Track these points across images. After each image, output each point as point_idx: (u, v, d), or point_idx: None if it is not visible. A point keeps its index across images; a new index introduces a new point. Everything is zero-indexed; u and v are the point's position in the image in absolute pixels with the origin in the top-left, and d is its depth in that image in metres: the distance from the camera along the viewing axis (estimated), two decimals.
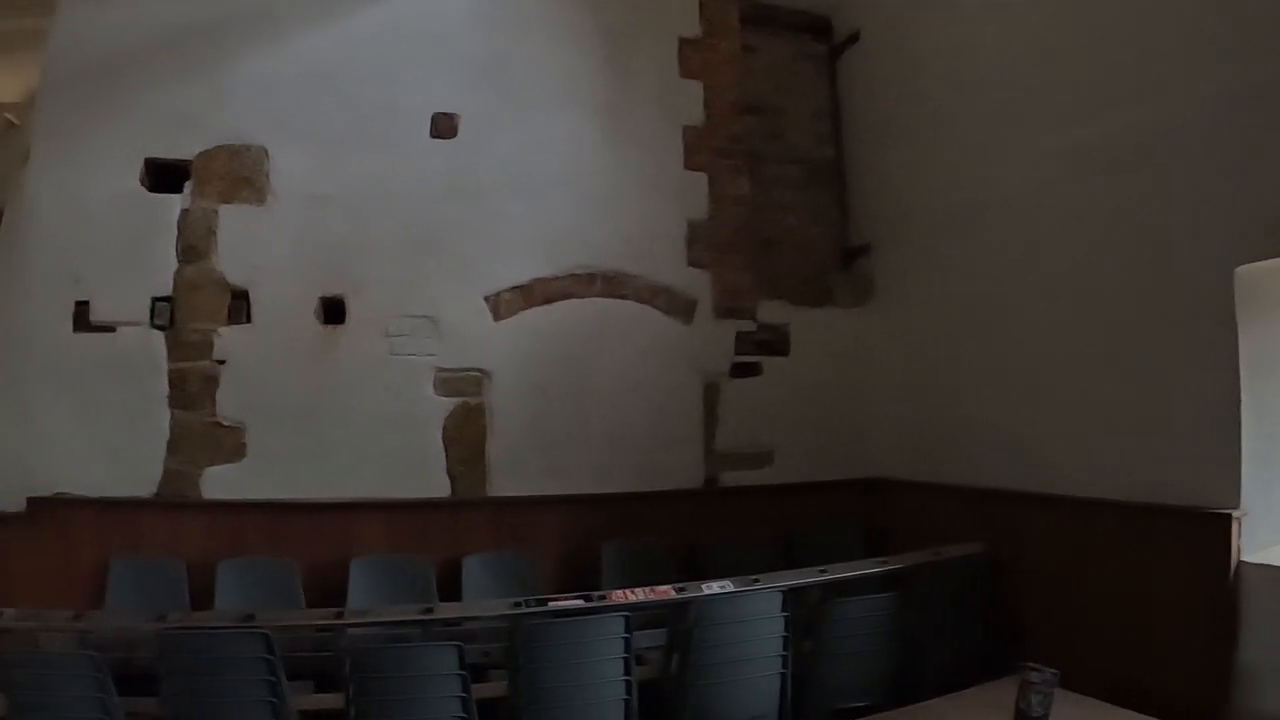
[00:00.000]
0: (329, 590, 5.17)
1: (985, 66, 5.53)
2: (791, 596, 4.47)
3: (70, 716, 3.77)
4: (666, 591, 4.50)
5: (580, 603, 4.37)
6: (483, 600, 5.09)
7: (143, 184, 5.56)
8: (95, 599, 4.98)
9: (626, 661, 4.06)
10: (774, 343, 6.45)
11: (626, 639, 4.05)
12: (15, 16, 10.31)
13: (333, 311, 5.65)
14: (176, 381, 5.42)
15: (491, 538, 5.64)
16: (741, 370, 6.35)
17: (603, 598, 4.41)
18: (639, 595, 4.43)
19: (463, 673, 3.86)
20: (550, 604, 4.37)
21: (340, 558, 5.31)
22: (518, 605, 4.34)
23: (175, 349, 5.43)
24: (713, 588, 4.51)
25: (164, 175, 5.60)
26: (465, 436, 5.73)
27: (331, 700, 4.03)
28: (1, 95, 13.31)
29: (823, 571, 4.82)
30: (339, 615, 4.34)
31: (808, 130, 6.83)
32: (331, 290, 5.64)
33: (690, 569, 5.54)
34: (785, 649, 4.41)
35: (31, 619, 4.27)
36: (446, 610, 4.52)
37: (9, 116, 13.69)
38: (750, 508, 6.19)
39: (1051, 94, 5.01)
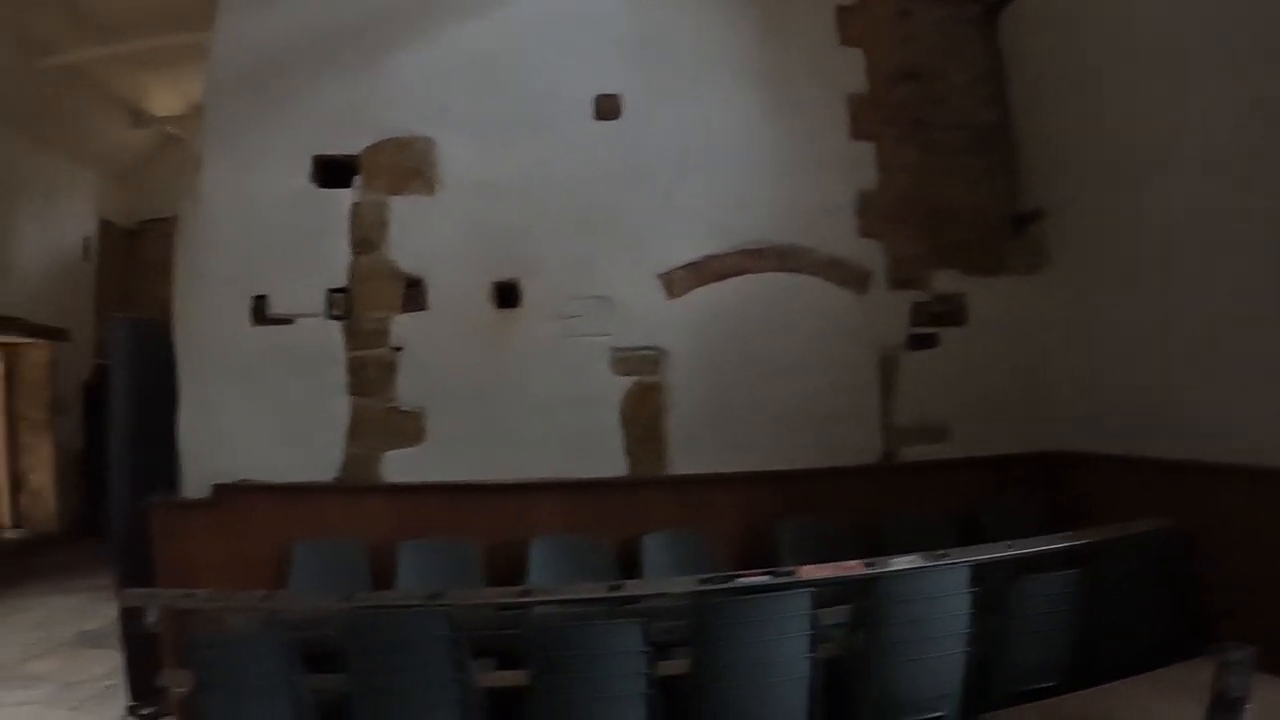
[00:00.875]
0: (507, 571, 5.19)
1: (1154, 16, 5.18)
2: (976, 573, 4.28)
3: (257, 694, 3.82)
4: (854, 566, 4.34)
5: (767, 579, 4.22)
6: (668, 578, 4.96)
7: (312, 181, 5.72)
8: (277, 581, 5.12)
9: (812, 638, 3.94)
10: (949, 313, 6.21)
11: (812, 615, 3.92)
12: (171, 33, 10.77)
13: (506, 295, 5.69)
14: (355, 369, 5.53)
15: (669, 517, 5.55)
16: (917, 342, 6.14)
17: (790, 573, 4.26)
18: (826, 571, 4.28)
19: (647, 649, 3.81)
20: (736, 580, 4.23)
21: (518, 538, 5.30)
22: (705, 581, 4.26)
23: (352, 338, 5.53)
24: (901, 563, 4.33)
25: (333, 171, 5.73)
26: (642, 415, 5.67)
27: (514, 677, 3.97)
28: (162, 109, 13.95)
29: (1010, 546, 4.59)
30: (525, 593, 4.28)
31: (969, 94, 6.57)
32: (504, 275, 5.68)
33: (867, 546, 5.32)
34: (971, 627, 4.23)
35: (224, 600, 4.31)
36: (634, 588, 4.46)
37: (170, 129, 14.33)
38: (927, 483, 5.98)
39: (1231, 41, 4.65)
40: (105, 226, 14.21)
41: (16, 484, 13.05)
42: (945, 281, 6.25)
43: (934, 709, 4.21)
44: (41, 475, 13.06)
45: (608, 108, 5.87)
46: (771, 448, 5.77)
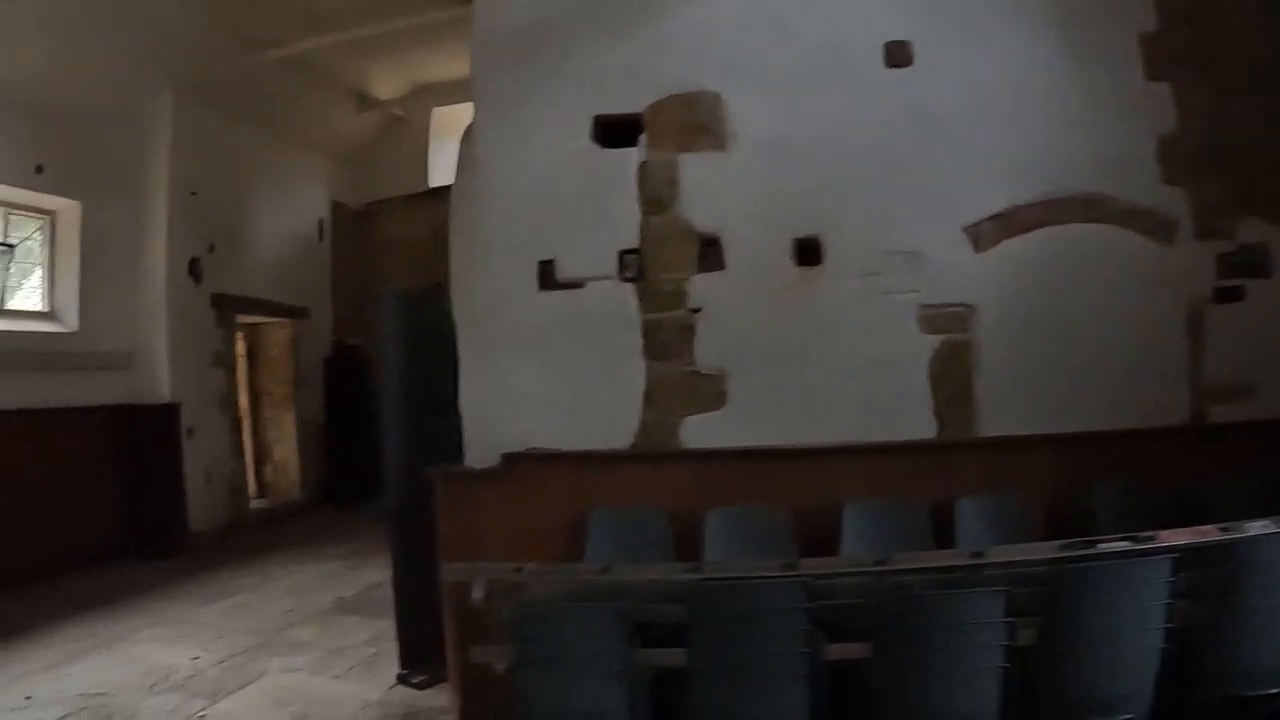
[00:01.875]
0: (816, 538, 4.87)
1: None
2: None
3: (586, 671, 3.67)
4: (1209, 532, 3.92)
5: (1126, 545, 3.83)
6: (1028, 544, 4.53)
7: (595, 141, 5.52)
8: (571, 552, 4.99)
9: (1168, 608, 3.62)
10: (1254, 264, 5.61)
11: (1171, 583, 3.61)
12: (389, 19, 10.92)
13: (807, 252, 5.34)
14: (650, 332, 5.32)
15: (979, 479, 5.13)
16: (1224, 295, 5.56)
17: (1150, 538, 3.85)
18: (1185, 536, 3.87)
19: (1010, 620, 3.52)
20: (1098, 546, 3.85)
21: (824, 504, 4.96)
22: (1065, 548, 3.88)
23: (647, 300, 5.33)
24: (1255, 528, 3.88)
25: (616, 130, 5.51)
26: (951, 375, 5.27)
27: (856, 650, 3.70)
28: (385, 93, 14.20)
29: None
30: (880, 563, 3.97)
31: (1259, 29, 5.92)
32: (804, 231, 5.33)
33: (1184, 512, 4.80)
34: None
35: (556, 573, 4.18)
36: (998, 554, 4.05)
37: (394, 111, 14.58)
38: (1234, 445, 5.35)
39: None
40: (337, 208, 14.63)
41: (260, 457, 13.54)
42: (1250, 230, 5.64)
43: None
44: (285, 448, 13.52)
45: (899, 55, 5.50)
46: (1077, 408, 5.27)
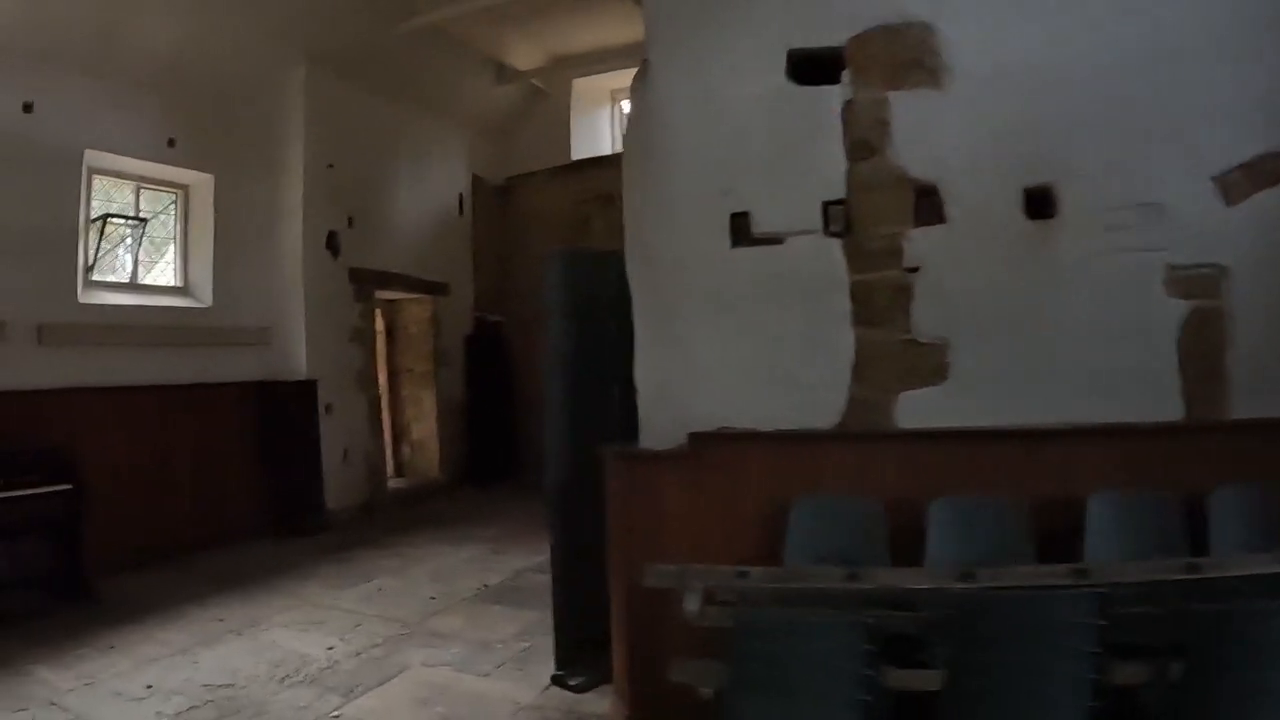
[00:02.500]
0: (1053, 535, 4.11)
1: None
2: None
3: (818, 693, 3.01)
4: None
5: None
6: None
7: (789, 78, 4.79)
8: (768, 547, 4.32)
9: None
10: None
11: None
12: None
13: (1038, 204, 4.50)
14: (860, 296, 4.59)
15: (1232, 469, 4.23)
16: None
17: None
18: None
19: None
20: None
21: (1061, 495, 4.20)
22: None
23: (855, 258, 4.60)
24: None
25: (814, 66, 4.78)
26: (1201, 347, 4.40)
27: (1138, 673, 2.99)
28: (524, 63, 13.68)
29: None
30: (1194, 568, 3.21)
31: None
32: (1034, 179, 4.50)
33: None
34: None
35: (786, 577, 3.54)
36: None
37: (534, 82, 14.11)
38: None
39: None
40: (477, 183, 14.27)
41: (398, 435, 13.20)
42: None
43: None
44: (424, 426, 13.19)
45: None
46: None
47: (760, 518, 4.44)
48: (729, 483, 4.57)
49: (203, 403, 9.50)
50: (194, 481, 9.32)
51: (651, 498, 4.62)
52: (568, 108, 14.34)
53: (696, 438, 4.62)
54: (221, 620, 6.96)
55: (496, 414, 13.41)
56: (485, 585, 7.90)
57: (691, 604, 3.36)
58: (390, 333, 13.18)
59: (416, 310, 13.14)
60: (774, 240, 4.71)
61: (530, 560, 8.43)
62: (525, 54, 13.65)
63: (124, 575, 7.92)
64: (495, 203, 14.52)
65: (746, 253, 4.74)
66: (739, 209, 4.76)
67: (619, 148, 14.70)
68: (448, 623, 6.88)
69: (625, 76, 13.89)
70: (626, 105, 15.05)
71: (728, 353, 4.73)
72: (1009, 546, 4.03)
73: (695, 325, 4.78)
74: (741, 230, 4.75)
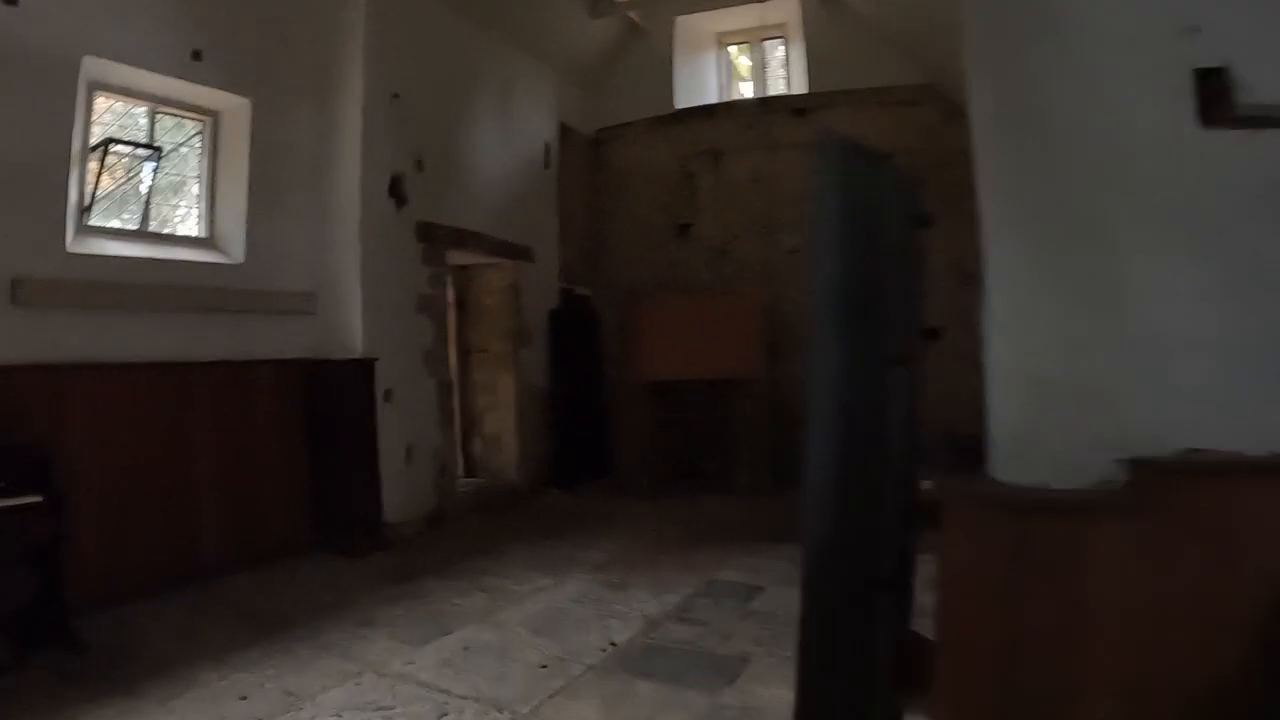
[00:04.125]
0: None
1: None
2: None
3: None
4: None
5: None
6: None
7: None
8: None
9: None
10: None
11: None
12: None
13: None
14: None
15: None
16: None
17: None
18: None
19: None
20: None
21: None
22: None
23: None
24: None
25: None
26: None
27: None
28: None
29: None
30: None
31: None
32: None
33: None
34: None
35: None
36: None
37: (632, 16, 12.09)
38: None
39: None
40: (565, 133, 12.24)
41: (468, 428, 11.03)
42: None
43: None
44: (500, 418, 11.02)
45: None
46: None
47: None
48: (1210, 555, 2.33)
49: (230, 386, 7.57)
50: (218, 487, 7.46)
51: (1057, 581, 2.44)
52: (670, 50, 12.70)
53: (1144, 469, 2.38)
54: (244, 699, 4.86)
55: (585, 403, 11.63)
56: (612, 643, 5.71)
57: None
58: (461, 305, 10.99)
59: (494, 278, 10.96)
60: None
61: (664, 602, 6.36)
62: None
63: (124, 609, 6.20)
64: (587, 157, 12.74)
65: (1227, 140, 2.43)
66: (1211, 61, 2.45)
67: (728, 96, 12.66)
68: (576, 712, 4.70)
69: (733, 17, 11.95)
70: (734, 51, 12.94)
71: (1196, 316, 2.43)
72: None
73: (1129, 264, 2.52)
74: (1217, 98, 2.44)
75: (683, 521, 9.30)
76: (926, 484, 3.42)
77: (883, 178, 3.31)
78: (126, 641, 5.69)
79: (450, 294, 10.61)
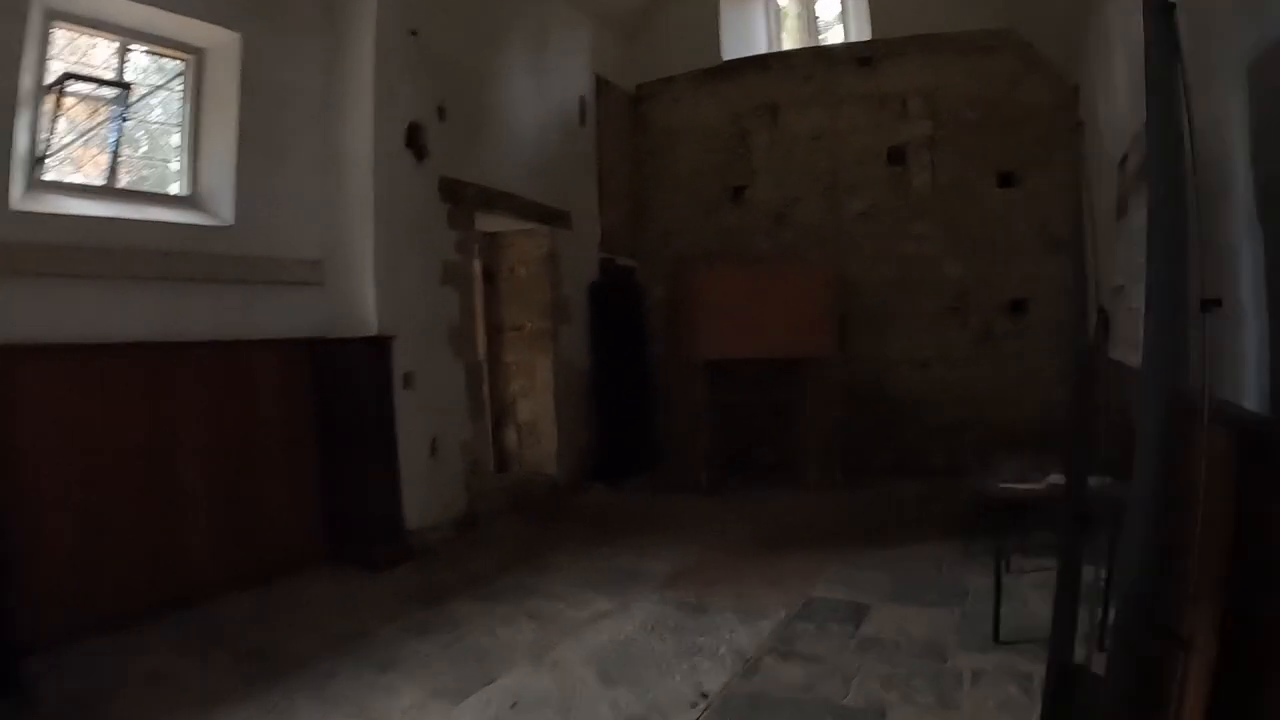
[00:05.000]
0: None
1: None
2: None
3: None
4: None
5: None
6: None
7: None
8: None
9: None
10: None
11: None
12: None
13: None
14: None
15: None
16: None
17: None
18: None
19: None
20: None
21: None
22: None
23: None
24: None
25: None
26: None
27: None
28: None
29: None
30: None
31: None
32: None
33: None
34: None
35: None
36: None
37: None
38: None
39: None
40: (603, 88, 10.96)
41: (500, 416, 9.74)
42: None
43: None
44: (536, 404, 9.74)
45: None
46: None
47: None
48: None
49: (221, 370, 6.40)
50: (208, 491, 6.23)
51: None
52: None
53: None
54: None
55: (630, 386, 10.50)
56: (704, 694, 4.39)
57: None
58: (489, 277, 9.68)
59: (528, 246, 9.65)
60: None
61: (756, 629, 5.15)
62: None
63: (92, 644, 5.06)
64: (627, 115, 11.47)
65: None
66: None
67: (778, 46, 11.39)
68: None
69: None
70: None
71: None
72: None
73: None
74: None
75: (751, 521, 7.98)
76: None
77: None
78: (91, 689, 4.51)
79: (478, 265, 9.31)
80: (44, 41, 5.55)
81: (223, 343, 6.40)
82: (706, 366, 9.64)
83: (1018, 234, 9.45)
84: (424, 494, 7.46)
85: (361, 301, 7.15)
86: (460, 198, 8.01)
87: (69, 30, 5.80)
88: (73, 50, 5.85)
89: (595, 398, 10.15)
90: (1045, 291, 9.33)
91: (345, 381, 7.02)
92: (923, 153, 10.02)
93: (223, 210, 6.60)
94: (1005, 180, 9.60)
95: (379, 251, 7.15)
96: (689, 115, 11.18)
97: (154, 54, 6.43)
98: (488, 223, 8.90)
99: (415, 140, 7.57)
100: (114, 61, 6.10)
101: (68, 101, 5.71)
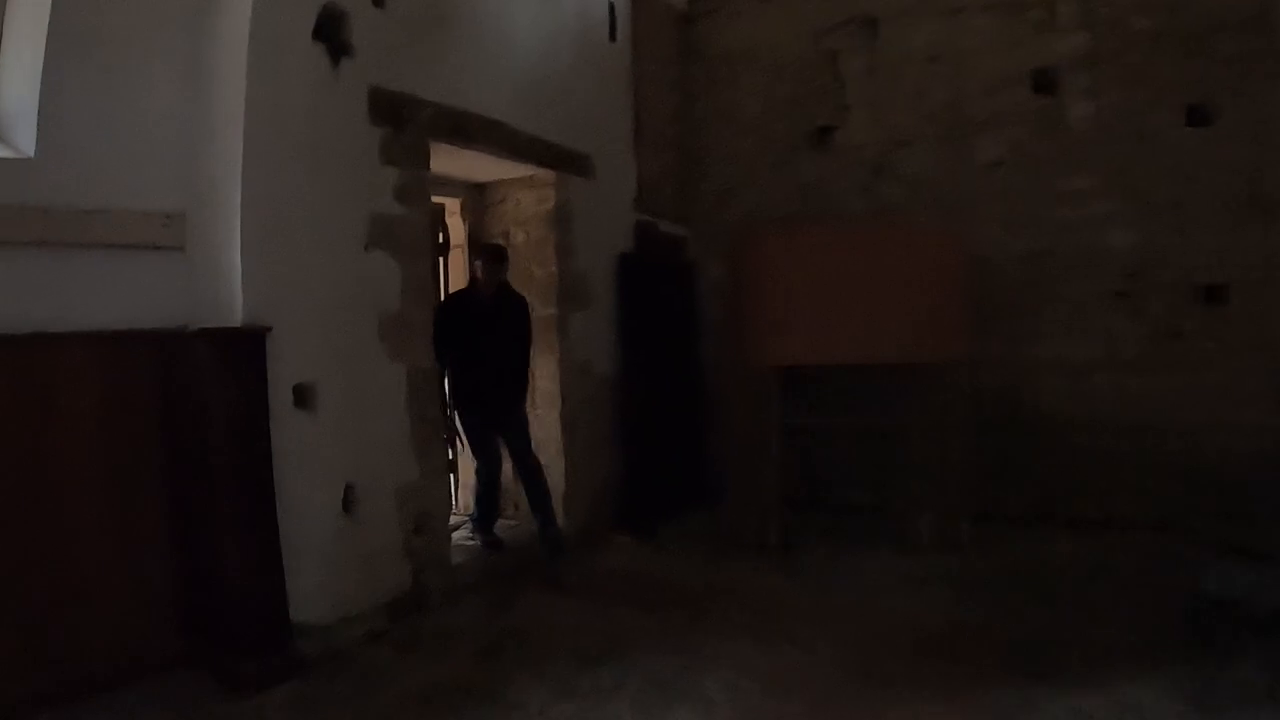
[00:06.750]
0: None
1: None
2: None
3: None
4: None
5: None
6: None
7: None
8: None
9: None
10: None
11: None
12: None
13: None
14: None
15: None
16: None
17: None
18: None
19: None
20: None
21: None
22: None
23: None
24: None
25: None
26: None
27: None
28: None
29: None
30: None
31: None
32: None
33: None
34: None
35: None
36: None
37: None
38: None
39: None
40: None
41: None
42: None
43: None
44: (538, 421, 7.12)
45: None
46: None
47: None
48: None
49: (4, 381, 4.10)
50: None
51: None
52: None
53: None
54: None
55: (673, 399, 8.05)
56: None
57: None
58: (475, 245, 7.13)
59: (528, 201, 7.07)
60: None
61: None
62: None
63: None
64: (673, 36, 8.96)
65: None
66: None
67: None
68: None
69: None
70: None
71: None
72: None
73: None
74: None
75: (839, 618, 5.27)
76: None
77: None
78: None
79: (463, 227, 6.75)
80: None
81: (9, 338, 4.05)
82: (779, 374, 7.12)
83: (1213, 191, 7.17)
84: (332, 570, 4.94)
85: (228, 274, 4.63)
86: (405, 119, 5.41)
87: None
88: None
89: (623, 415, 7.60)
90: (1254, 273, 7.05)
91: (196, 398, 4.47)
92: (1079, 76, 7.70)
93: (18, 137, 4.21)
94: (1195, 116, 7.20)
95: (251, 196, 4.62)
96: (756, 34, 8.95)
97: None
98: (464, 165, 6.33)
99: (330, 31, 5.02)
100: None
101: None
